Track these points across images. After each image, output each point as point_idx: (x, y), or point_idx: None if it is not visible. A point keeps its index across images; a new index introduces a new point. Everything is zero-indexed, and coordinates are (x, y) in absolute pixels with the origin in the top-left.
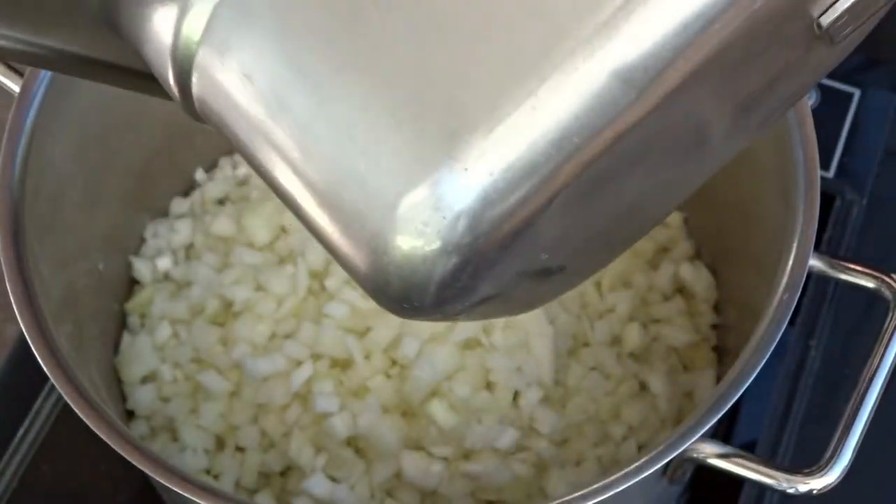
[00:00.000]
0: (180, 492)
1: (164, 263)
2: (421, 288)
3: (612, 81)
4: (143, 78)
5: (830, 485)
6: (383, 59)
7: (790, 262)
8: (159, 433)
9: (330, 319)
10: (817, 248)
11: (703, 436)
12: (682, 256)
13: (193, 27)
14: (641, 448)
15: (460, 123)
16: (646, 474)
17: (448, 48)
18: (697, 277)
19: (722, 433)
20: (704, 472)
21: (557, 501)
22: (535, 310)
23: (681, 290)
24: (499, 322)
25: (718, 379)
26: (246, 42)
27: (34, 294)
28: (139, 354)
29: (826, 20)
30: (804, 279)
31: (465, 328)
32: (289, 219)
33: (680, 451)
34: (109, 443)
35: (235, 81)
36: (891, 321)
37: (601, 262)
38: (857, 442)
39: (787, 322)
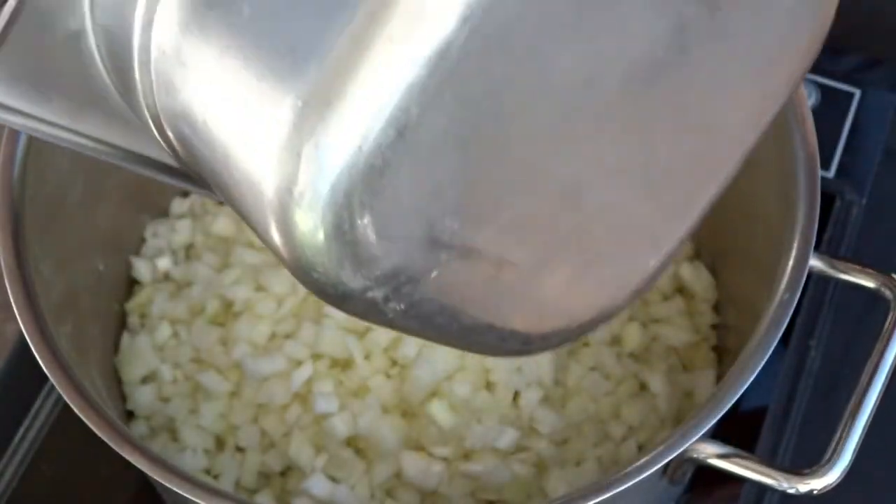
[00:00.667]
0: (180, 492)
1: (164, 263)
2: (322, 253)
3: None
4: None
5: (831, 485)
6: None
7: (790, 262)
8: (159, 433)
9: (330, 319)
10: (817, 247)
11: (703, 436)
12: (681, 256)
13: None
14: (641, 448)
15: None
16: (646, 474)
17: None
18: (697, 277)
19: (722, 433)
20: (704, 473)
21: (557, 501)
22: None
23: (680, 289)
24: None
25: (718, 379)
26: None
27: (34, 294)
28: (139, 354)
29: None
30: (804, 279)
31: None
32: None
33: (680, 451)
34: (109, 443)
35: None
36: (891, 321)
37: (595, 282)
38: (858, 442)
39: (787, 322)
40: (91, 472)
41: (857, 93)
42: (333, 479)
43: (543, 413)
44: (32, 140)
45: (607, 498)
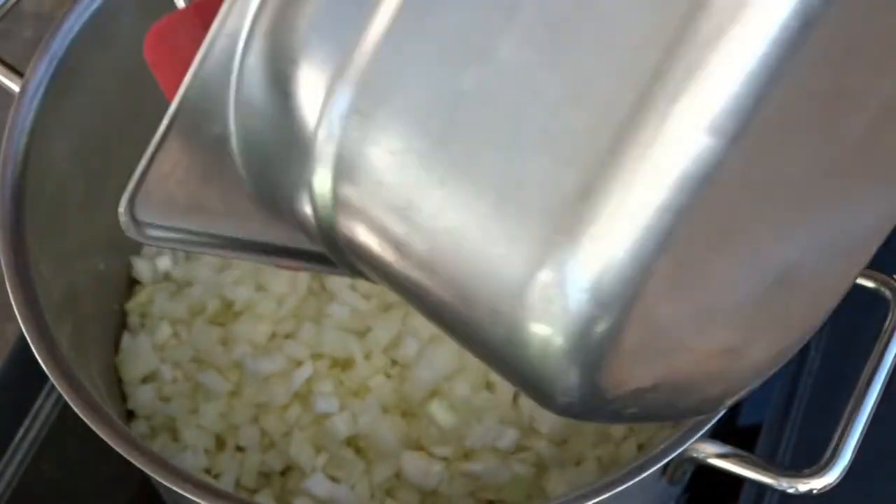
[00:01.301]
0: (180, 491)
1: (164, 263)
2: (568, 366)
3: (701, 136)
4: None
5: (830, 485)
6: (474, 163)
7: None
8: (159, 433)
9: (330, 319)
10: None
11: (702, 435)
12: None
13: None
14: (641, 448)
15: (560, 203)
16: (646, 474)
17: (527, 133)
18: None
19: (722, 433)
20: (704, 472)
21: (557, 501)
22: None
23: None
24: None
25: None
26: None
27: (34, 294)
28: (139, 354)
29: None
30: None
31: None
32: None
33: (680, 450)
34: (109, 442)
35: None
36: (890, 321)
37: (787, 342)
38: (857, 442)
39: None
40: (91, 472)
41: None
42: (333, 479)
43: (543, 413)
44: (33, 139)
45: (607, 498)
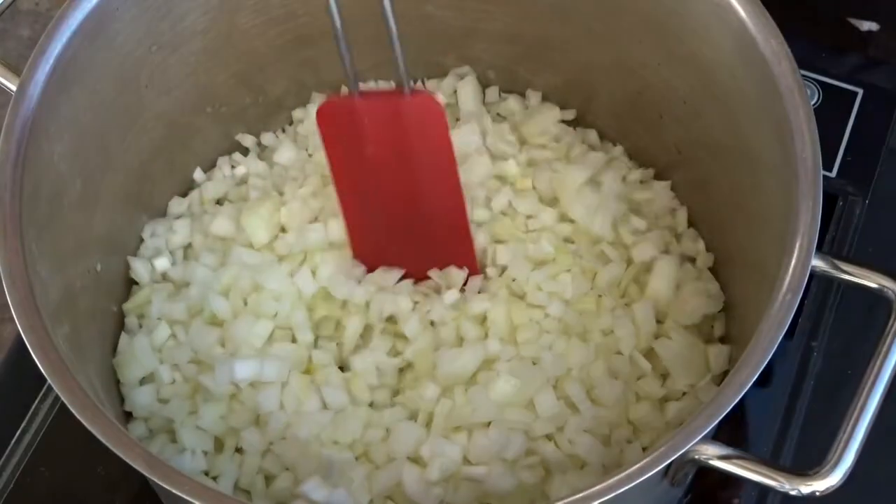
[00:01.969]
0: (179, 494)
1: (162, 264)
2: None
3: None
4: None
5: (833, 486)
6: None
7: (792, 263)
8: (158, 434)
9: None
10: (819, 248)
11: (704, 437)
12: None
13: None
14: (646, 451)
15: None
16: (647, 476)
17: None
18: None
19: (724, 435)
20: (706, 474)
21: (560, 503)
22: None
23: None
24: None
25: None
26: None
27: (31, 295)
28: (137, 355)
29: None
30: (806, 280)
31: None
32: (287, 218)
33: (681, 452)
34: (107, 444)
35: None
36: (894, 322)
37: None
38: (861, 443)
39: (789, 323)
40: (90, 474)
41: (860, 92)
42: (332, 484)
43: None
44: (30, 139)
45: (609, 499)
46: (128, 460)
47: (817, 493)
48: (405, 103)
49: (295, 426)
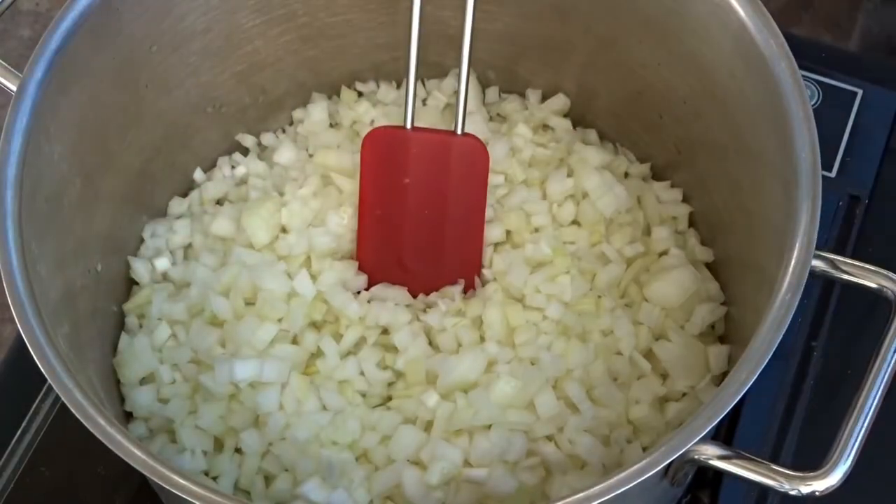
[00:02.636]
0: (179, 494)
1: (162, 264)
2: None
3: None
4: None
5: (833, 486)
6: None
7: (792, 263)
8: (158, 434)
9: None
10: (819, 248)
11: (704, 437)
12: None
13: None
14: (646, 451)
15: None
16: (647, 476)
17: None
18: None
19: (724, 435)
20: (706, 474)
21: (560, 503)
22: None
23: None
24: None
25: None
26: None
27: (32, 295)
28: (137, 355)
29: None
30: (806, 280)
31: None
32: (288, 218)
33: (681, 452)
34: (107, 444)
35: None
36: (893, 322)
37: None
38: (861, 443)
39: (788, 323)
40: (90, 473)
41: (860, 92)
42: (332, 485)
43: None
44: (30, 139)
45: (609, 499)
46: (128, 460)
47: (817, 493)
48: (455, 143)
49: (294, 427)
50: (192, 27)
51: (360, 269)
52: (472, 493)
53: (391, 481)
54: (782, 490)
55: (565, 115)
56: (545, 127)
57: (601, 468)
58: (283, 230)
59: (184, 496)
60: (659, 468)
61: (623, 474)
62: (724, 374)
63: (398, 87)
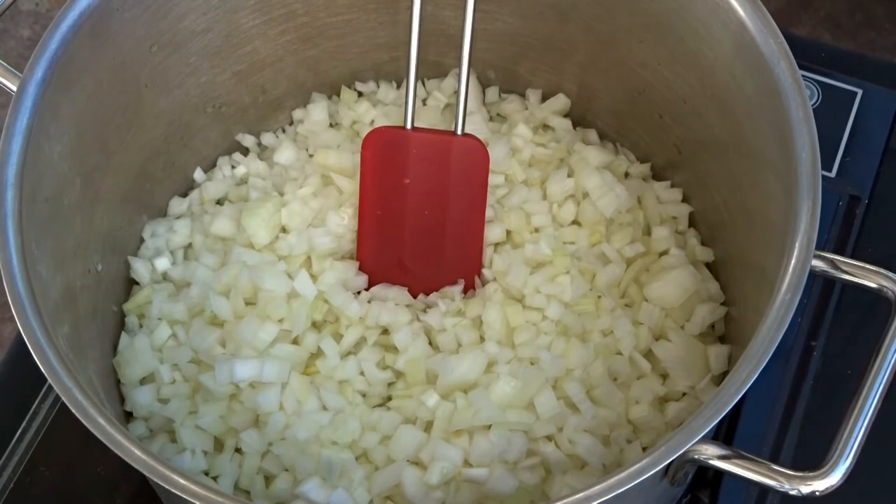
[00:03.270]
0: (179, 493)
1: (162, 264)
2: None
3: None
4: None
5: (833, 486)
6: None
7: (792, 263)
8: (158, 434)
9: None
10: (819, 248)
11: (704, 437)
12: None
13: None
14: (646, 451)
15: None
16: (647, 476)
17: None
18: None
19: (724, 434)
20: (706, 474)
21: (560, 502)
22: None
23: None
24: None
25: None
26: None
27: (32, 295)
28: (138, 355)
29: None
30: (806, 279)
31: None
32: (288, 218)
33: (681, 452)
34: (107, 444)
35: None
36: (893, 321)
37: None
38: (861, 443)
39: (788, 323)
40: (90, 473)
41: (860, 92)
42: (332, 485)
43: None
44: (30, 139)
45: (609, 499)
46: (128, 460)
47: (817, 493)
48: (456, 143)
49: (294, 427)
50: (191, 27)
51: (361, 269)
52: (472, 492)
53: (391, 481)
54: (782, 490)
55: (565, 115)
56: (545, 127)
57: (601, 468)
58: (284, 230)
59: (184, 496)
60: (659, 468)
61: (623, 474)
62: (724, 374)
63: (398, 87)
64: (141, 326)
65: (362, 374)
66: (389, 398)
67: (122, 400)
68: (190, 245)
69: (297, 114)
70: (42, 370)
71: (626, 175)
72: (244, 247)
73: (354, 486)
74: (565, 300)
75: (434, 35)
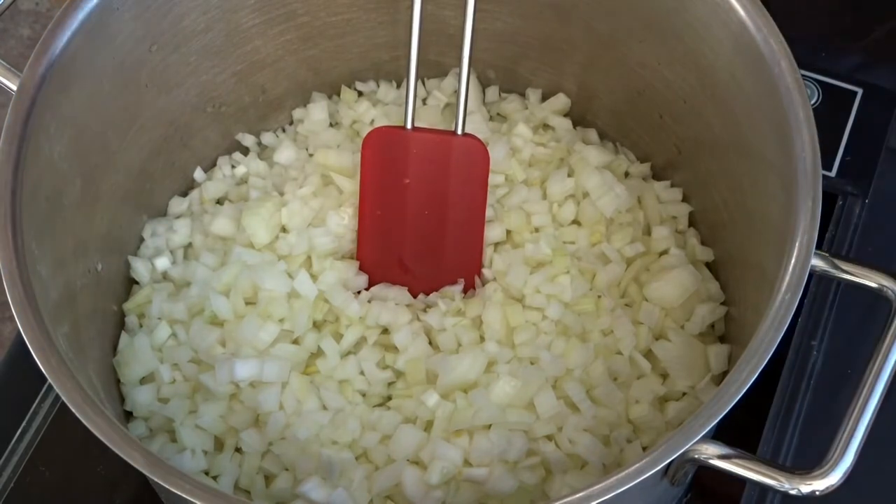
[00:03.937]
0: (179, 493)
1: (162, 263)
2: None
3: None
4: None
5: (833, 486)
6: None
7: (792, 263)
8: (158, 434)
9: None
10: (819, 247)
11: (704, 437)
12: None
13: None
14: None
15: None
16: (647, 475)
17: None
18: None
19: (724, 434)
20: (706, 474)
21: (560, 502)
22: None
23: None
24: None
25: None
26: None
27: (32, 294)
28: (138, 355)
29: None
30: (806, 279)
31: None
32: (288, 218)
33: (681, 451)
34: (107, 444)
35: None
36: (893, 321)
37: None
38: (861, 443)
39: (788, 323)
40: (90, 473)
41: (860, 92)
42: (332, 484)
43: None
44: (30, 138)
45: (609, 499)
46: (128, 460)
47: (817, 493)
48: (456, 143)
49: (294, 426)
50: (191, 27)
51: (361, 268)
52: (472, 492)
53: (391, 481)
54: (782, 489)
55: (565, 115)
56: (545, 126)
57: (601, 468)
58: (284, 230)
59: (184, 496)
60: (659, 467)
61: (623, 474)
62: (724, 374)
63: (398, 86)
64: (141, 326)
65: (362, 373)
66: (389, 398)
67: (122, 400)
68: (190, 245)
69: (297, 113)
70: (42, 370)
71: (626, 175)
72: (244, 246)
73: (354, 485)
74: (565, 300)
75: (434, 35)
